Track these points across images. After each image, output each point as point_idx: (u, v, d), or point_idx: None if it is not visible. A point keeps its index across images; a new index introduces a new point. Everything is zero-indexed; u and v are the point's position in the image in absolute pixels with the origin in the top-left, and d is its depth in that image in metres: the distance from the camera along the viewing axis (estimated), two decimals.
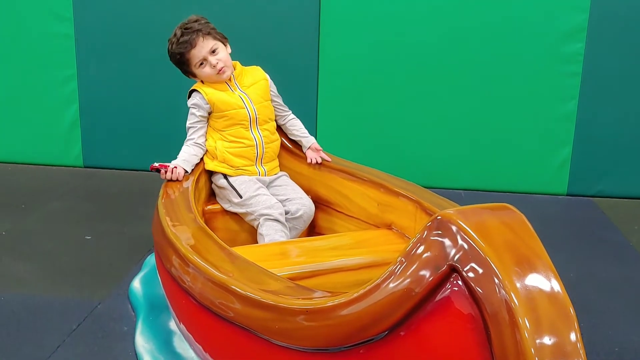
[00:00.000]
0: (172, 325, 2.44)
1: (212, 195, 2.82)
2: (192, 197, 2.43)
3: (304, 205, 2.66)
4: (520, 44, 4.10)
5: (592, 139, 4.19)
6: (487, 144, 4.27)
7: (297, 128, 2.90)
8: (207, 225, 2.28)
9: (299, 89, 4.27)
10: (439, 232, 1.27)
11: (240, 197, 2.61)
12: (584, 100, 4.13)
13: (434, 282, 1.25)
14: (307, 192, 2.78)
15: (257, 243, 2.59)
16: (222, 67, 2.63)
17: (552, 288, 1.19)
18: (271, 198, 2.60)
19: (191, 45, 2.59)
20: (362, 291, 1.38)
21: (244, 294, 1.69)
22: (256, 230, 2.61)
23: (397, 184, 2.53)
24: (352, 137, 4.30)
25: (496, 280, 1.17)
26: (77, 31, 4.36)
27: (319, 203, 2.79)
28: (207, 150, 2.73)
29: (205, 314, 1.86)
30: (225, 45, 2.70)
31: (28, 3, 4.35)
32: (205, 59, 2.61)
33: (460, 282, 1.23)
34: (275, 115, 2.85)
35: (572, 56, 4.07)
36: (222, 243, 2.04)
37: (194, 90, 2.72)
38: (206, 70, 2.63)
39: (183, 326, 2.13)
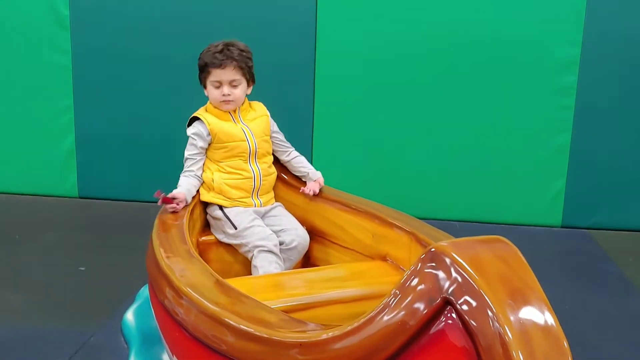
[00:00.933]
0: (165, 357, 2.42)
1: (206, 227, 2.81)
2: (187, 229, 2.42)
3: (298, 236, 2.65)
4: (513, 77, 4.14)
5: (586, 171, 4.21)
6: (481, 175, 4.28)
7: (303, 164, 2.87)
8: (201, 256, 2.27)
9: (294, 120, 4.29)
10: (433, 264, 1.27)
11: (235, 228, 2.61)
12: (578, 132, 4.16)
13: (428, 315, 1.25)
14: (302, 222, 2.78)
15: (251, 275, 2.57)
16: (229, 101, 2.64)
17: (545, 321, 1.19)
18: (266, 229, 2.60)
19: (220, 65, 2.59)
20: (356, 324, 1.37)
21: (238, 326, 1.68)
22: (250, 262, 2.60)
23: (392, 215, 2.53)
24: (347, 168, 4.32)
25: (490, 313, 1.17)
26: (75, 62, 4.39)
27: (314, 234, 2.78)
28: (203, 182, 2.73)
29: (198, 346, 1.84)
30: (247, 86, 2.70)
31: (26, 34, 4.39)
32: (221, 84, 2.63)
33: (454, 315, 1.22)
34: (277, 151, 2.85)
35: (566, 89, 4.11)
36: (216, 275, 2.03)
37: (197, 118, 2.70)
38: (215, 93, 2.64)
39: (176, 358, 2.11)
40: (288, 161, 2.88)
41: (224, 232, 2.65)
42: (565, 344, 1.18)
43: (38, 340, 2.63)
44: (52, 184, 4.60)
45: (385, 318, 1.30)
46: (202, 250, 2.66)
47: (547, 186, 4.26)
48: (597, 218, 4.28)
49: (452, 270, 1.23)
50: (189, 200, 2.61)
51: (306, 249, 2.71)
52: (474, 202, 4.32)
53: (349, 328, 1.38)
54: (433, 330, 1.26)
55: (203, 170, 2.72)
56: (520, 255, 1.29)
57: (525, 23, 4.07)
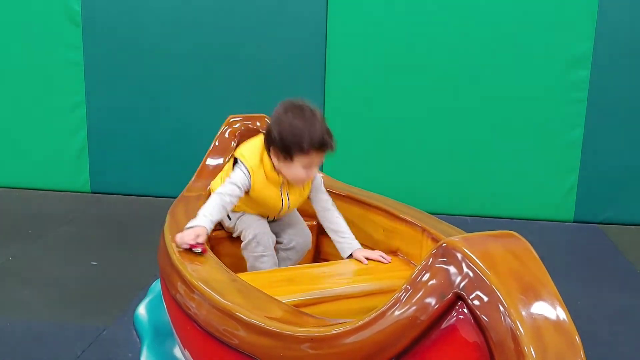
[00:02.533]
0: (177, 351, 2.43)
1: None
2: None
3: (297, 236, 2.60)
4: (526, 72, 4.12)
5: (598, 166, 4.19)
6: (493, 170, 4.27)
7: (342, 230, 2.52)
8: (212, 251, 2.28)
9: None
10: (445, 259, 1.27)
11: (230, 219, 2.56)
12: (590, 127, 4.14)
13: (440, 310, 1.25)
14: (312, 217, 2.78)
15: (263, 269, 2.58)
16: (308, 181, 2.47)
17: (557, 316, 1.19)
18: (253, 217, 2.53)
19: (322, 150, 2.32)
20: (367, 319, 1.37)
21: (249, 321, 1.69)
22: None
23: (403, 210, 2.53)
24: (357, 163, 4.32)
25: (502, 309, 1.17)
26: (86, 59, 4.41)
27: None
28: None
29: (210, 340, 1.85)
30: None
31: (38, 30, 4.41)
32: (312, 166, 2.34)
33: (465, 310, 1.22)
34: (314, 203, 2.60)
35: (578, 84, 4.09)
36: (228, 269, 2.04)
37: (246, 168, 2.40)
38: (301, 173, 2.33)
39: (188, 353, 2.12)
40: (322, 216, 2.58)
41: (225, 226, 2.63)
42: (578, 339, 1.18)
43: (50, 334, 2.65)
44: (64, 179, 4.63)
45: (397, 313, 1.30)
46: (214, 245, 2.67)
47: (560, 181, 4.24)
48: (609, 213, 4.26)
49: (464, 265, 1.23)
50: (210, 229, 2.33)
51: (307, 249, 2.66)
52: (485, 197, 4.30)
53: (360, 323, 1.39)
54: (444, 325, 1.26)
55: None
56: (532, 250, 1.29)
57: (537, 18, 4.05)
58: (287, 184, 2.45)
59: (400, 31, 4.16)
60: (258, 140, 2.46)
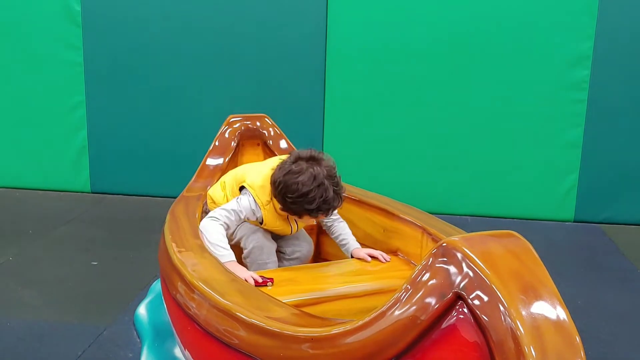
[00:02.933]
0: (177, 351, 2.43)
1: None
2: (199, 223, 2.43)
3: (300, 246, 2.60)
4: (526, 72, 4.12)
5: (598, 166, 4.19)
6: (493, 170, 4.27)
7: (344, 234, 2.54)
8: None
9: (305, 116, 4.30)
10: (445, 259, 1.27)
11: (228, 227, 2.44)
12: (590, 127, 4.14)
13: (440, 310, 1.25)
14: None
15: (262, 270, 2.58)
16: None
17: (557, 316, 1.19)
18: (252, 228, 2.48)
19: (326, 212, 2.28)
20: (367, 319, 1.37)
21: (249, 321, 1.69)
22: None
23: (403, 210, 2.53)
24: (357, 162, 4.32)
25: (502, 308, 1.17)
26: (87, 59, 4.41)
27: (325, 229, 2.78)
28: (209, 197, 2.63)
29: (210, 340, 1.85)
30: None
31: (39, 30, 4.41)
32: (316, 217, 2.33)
33: (465, 310, 1.22)
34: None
35: (578, 83, 4.09)
36: (228, 269, 2.04)
37: (256, 204, 2.37)
38: (308, 221, 2.39)
39: (188, 353, 2.12)
40: (329, 227, 2.60)
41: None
42: (578, 339, 1.18)
43: (51, 334, 2.65)
44: (64, 179, 4.63)
45: (397, 313, 1.30)
46: None
47: (560, 181, 4.24)
48: (609, 213, 4.26)
49: (464, 265, 1.23)
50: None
51: (310, 256, 2.65)
52: (485, 196, 4.31)
53: (361, 323, 1.39)
54: (444, 325, 1.26)
55: (225, 193, 2.54)
56: (532, 250, 1.29)
57: (537, 17, 4.05)
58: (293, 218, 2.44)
59: (400, 32, 4.16)
60: (268, 171, 2.36)
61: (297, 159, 2.27)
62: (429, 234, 2.32)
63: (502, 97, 4.18)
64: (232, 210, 2.35)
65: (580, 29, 4.03)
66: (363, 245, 2.56)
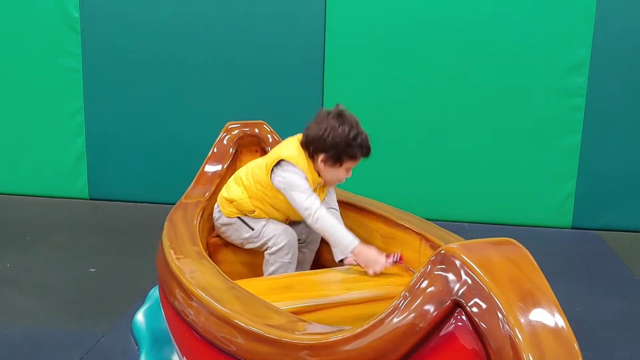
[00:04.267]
0: (175, 358, 2.42)
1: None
2: (197, 230, 2.43)
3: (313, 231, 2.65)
4: (523, 78, 4.13)
5: (596, 172, 4.19)
6: (491, 176, 4.27)
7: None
8: (211, 258, 2.28)
9: (303, 123, 4.29)
10: (443, 266, 1.27)
11: (252, 229, 2.58)
12: (588, 133, 4.15)
13: (438, 317, 1.25)
14: None
15: (261, 276, 2.58)
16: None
17: (556, 323, 1.19)
18: (280, 225, 2.58)
19: (356, 157, 2.46)
20: (366, 326, 1.37)
21: (247, 328, 1.69)
22: (261, 263, 2.61)
23: (401, 216, 2.53)
24: (355, 169, 4.30)
25: (500, 316, 1.17)
26: (85, 65, 4.41)
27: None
28: (226, 197, 2.60)
29: (208, 348, 1.85)
30: None
31: (37, 37, 4.41)
32: (349, 169, 2.49)
33: (464, 317, 1.22)
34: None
35: (575, 90, 4.10)
36: (226, 276, 2.04)
37: (302, 172, 2.43)
38: (341, 174, 2.47)
39: None
40: None
41: (240, 237, 2.61)
42: (576, 346, 1.18)
43: (48, 341, 2.65)
44: (62, 186, 4.62)
45: (395, 320, 1.30)
46: (212, 252, 2.67)
47: (557, 187, 4.25)
48: (607, 219, 4.26)
49: (462, 272, 1.23)
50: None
51: (319, 239, 2.72)
52: (483, 203, 4.31)
53: (359, 330, 1.39)
54: (443, 332, 1.26)
55: (244, 186, 2.56)
56: (531, 257, 1.29)
57: (535, 24, 4.06)
58: (320, 186, 2.52)
59: (398, 39, 4.17)
60: (296, 142, 2.49)
61: (329, 113, 2.45)
62: (427, 240, 2.32)
63: (500, 103, 4.18)
64: (300, 189, 2.39)
65: (577, 35, 4.04)
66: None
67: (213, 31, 4.29)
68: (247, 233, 2.58)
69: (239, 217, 2.58)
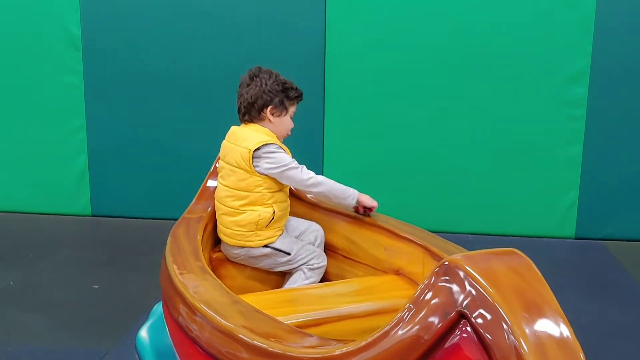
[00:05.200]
0: None
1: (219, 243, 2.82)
2: (200, 245, 2.43)
3: (317, 230, 2.74)
4: (524, 89, 4.14)
5: (598, 182, 4.19)
6: (493, 188, 4.27)
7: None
8: (214, 272, 2.28)
9: (305, 131, 4.31)
10: (447, 277, 1.27)
11: (289, 254, 2.57)
12: (589, 143, 4.15)
13: (443, 329, 1.24)
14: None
15: (265, 290, 2.57)
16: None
17: (561, 333, 1.18)
18: (311, 247, 2.64)
19: (300, 100, 2.63)
20: (370, 339, 1.37)
21: (252, 342, 1.68)
22: (265, 277, 2.60)
23: (404, 229, 2.53)
24: (357, 180, 4.28)
25: (505, 326, 1.16)
26: (87, 82, 4.43)
27: (326, 249, 2.78)
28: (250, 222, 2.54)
29: None
30: None
31: (38, 54, 4.43)
32: (291, 116, 2.62)
33: (469, 329, 1.22)
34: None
35: (576, 100, 4.11)
36: (230, 291, 2.04)
37: (280, 148, 2.52)
38: (290, 124, 2.60)
39: None
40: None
41: (276, 263, 2.60)
42: (582, 356, 1.17)
43: (52, 358, 2.64)
44: (65, 203, 4.63)
45: (400, 332, 1.30)
46: (215, 267, 2.67)
47: (560, 198, 4.24)
48: (610, 229, 4.25)
49: (466, 283, 1.23)
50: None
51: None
52: (486, 214, 4.30)
53: (364, 343, 1.38)
54: (448, 344, 1.25)
55: (249, 206, 2.53)
56: (534, 267, 1.29)
57: (535, 35, 4.07)
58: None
59: (399, 49, 4.18)
60: (245, 127, 2.60)
61: (251, 73, 2.62)
62: (431, 252, 2.31)
63: (500, 114, 4.19)
64: (288, 164, 2.48)
65: (577, 45, 4.05)
66: (365, 264, 2.56)
67: (213, 47, 4.31)
68: (284, 258, 2.57)
69: (266, 246, 2.55)
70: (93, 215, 4.62)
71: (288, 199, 2.65)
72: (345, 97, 4.28)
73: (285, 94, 2.55)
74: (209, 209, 2.77)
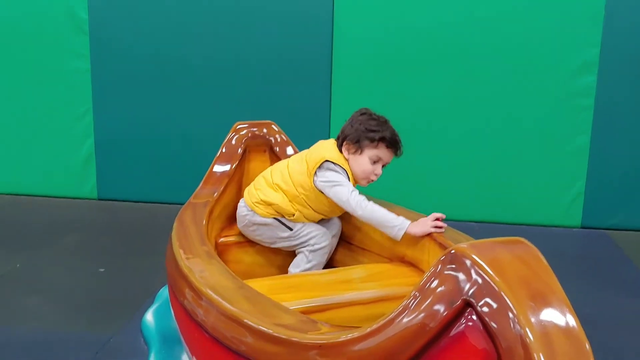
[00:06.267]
0: (185, 358, 2.43)
1: (227, 227, 2.82)
2: (206, 230, 2.44)
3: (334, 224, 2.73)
4: (533, 78, 4.12)
5: (605, 172, 4.17)
6: (500, 176, 4.26)
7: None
8: (220, 257, 2.28)
9: (311, 123, 4.30)
10: (453, 266, 1.27)
11: (290, 229, 2.59)
12: (597, 133, 4.13)
13: (449, 317, 1.25)
14: None
15: (270, 276, 2.58)
16: (374, 180, 2.60)
17: (567, 323, 1.18)
18: (319, 226, 2.62)
19: (391, 146, 2.53)
20: (375, 326, 1.37)
21: (257, 327, 1.69)
22: (270, 263, 2.61)
23: (410, 216, 2.52)
24: None
25: (511, 315, 1.16)
26: (94, 66, 4.43)
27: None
28: (262, 199, 2.59)
29: (217, 347, 1.85)
30: None
31: (46, 39, 4.43)
32: (379, 162, 2.54)
33: (474, 317, 1.22)
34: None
35: (584, 90, 4.08)
36: (235, 276, 2.04)
37: (343, 170, 2.50)
38: (369, 167, 2.51)
39: None
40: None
41: (275, 237, 2.63)
42: (587, 345, 1.17)
43: (58, 342, 2.66)
44: (72, 186, 4.64)
45: (405, 320, 1.30)
46: (221, 252, 2.67)
47: (567, 187, 4.23)
48: (616, 219, 4.24)
49: (473, 272, 1.23)
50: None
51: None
52: (492, 203, 4.30)
53: (369, 330, 1.38)
54: (453, 332, 1.25)
55: (283, 191, 2.58)
56: (541, 256, 1.29)
57: (544, 24, 4.05)
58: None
59: (406, 40, 4.16)
60: (333, 143, 2.59)
61: (362, 112, 2.61)
62: (436, 240, 2.31)
63: (509, 103, 4.17)
64: (343, 187, 2.45)
65: (586, 35, 4.02)
66: (370, 252, 2.56)
67: (221, 32, 4.30)
68: (285, 233, 2.59)
69: (276, 218, 2.59)
70: (99, 199, 4.63)
71: (318, 216, 2.62)
72: (353, 86, 4.26)
73: (366, 134, 2.48)
74: (215, 193, 2.78)
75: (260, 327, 1.68)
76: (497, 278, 1.20)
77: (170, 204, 4.39)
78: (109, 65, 4.43)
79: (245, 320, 1.73)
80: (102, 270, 3.40)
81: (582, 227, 4.26)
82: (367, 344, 1.38)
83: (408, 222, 2.36)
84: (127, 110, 4.48)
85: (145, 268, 3.42)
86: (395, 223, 2.37)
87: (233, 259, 2.69)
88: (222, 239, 2.72)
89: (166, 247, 2.47)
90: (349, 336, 1.43)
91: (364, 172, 2.52)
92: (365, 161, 2.50)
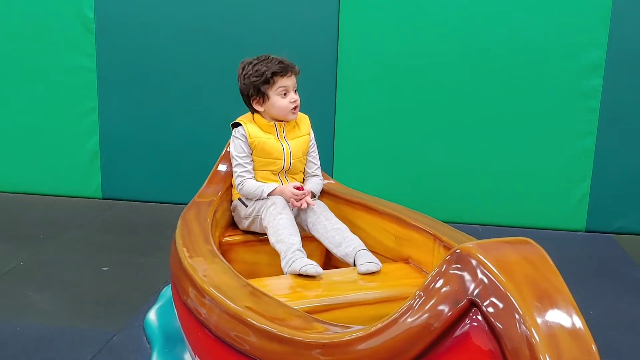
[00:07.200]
0: (188, 357, 2.42)
1: (231, 226, 2.82)
2: (210, 228, 2.43)
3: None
4: (539, 80, 4.11)
5: (611, 175, 4.16)
6: (505, 178, 4.25)
7: (310, 182, 2.75)
8: (224, 256, 2.28)
9: (315, 123, 4.29)
10: (459, 265, 1.25)
11: (246, 206, 2.63)
12: (602, 135, 4.11)
13: (453, 317, 1.24)
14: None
15: (275, 276, 2.57)
16: (297, 107, 2.63)
17: (573, 324, 1.17)
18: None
19: (285, 72, 2.60)
20: (379, 325, 1.36)
21: (260, 326, 1.68)
22: (274, 262, 2.60)
23: (414, 217, 2.52)
24: (369, 170, 4.31)
25: (517, 316, 1.15)
26: (99, 65, 4.43)
27: None
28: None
29: (220, 346, 1.85)
30: None
31: (52, 37, 4.44)
32: (288, 91, 2.61)
33: (479, 317, 1.21)
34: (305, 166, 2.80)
35: (590, 92, 4.07)
36: (239, 275, 2.04)
37: (239, 124, 2.66)
38: (283, 102, 2.59)
39: (198, 358, 2.12)
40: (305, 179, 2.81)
41: (241, 218, 2.68)
42: (594, 347, 1.16)
43: (61, 339, 2.66)
44: (76, 185, 4.64)
45: (409, 320, 1.29)
46: (225, 251, 2.67)
47: (571, 190, 4.22)
48: (621, 222, 4.23)
49: (478, 271, 1.22)
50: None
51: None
52: (497, 205, 4.28)
53: (373, 329, 1.38)
54: (458, 332, 1.24)
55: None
56: (547, 256, 1.27)
57: (551, 26, 4.03)
58: (283, 129, 2.64)
59: (412, 42, 4.15)
60: (246, 115, 2.73)
61: (242, 64, 2.71)
62: (441, 241, 2.30)
63: (514, 105, 4.16)
64: (236, 147, 2.62)
65: (592, 37, 4.01)
66: (374, 252, 2.55)
67: (227, 32, 4.30)
68: (243, 211, 2.65)
69: (239, 199, 2.68)
70: (104, 198, 4.64)
71: (278, 167, 2.65)
72: (357, 88, 4.26)
73: (258, 80, 2.58)
74: (220, 192, 2.78)
75: (263, 326, 1.68)
76: (503, 278, 1.19)
77: (174, 203, 4.39)
78: (114, 64, 4.43)
79: (249, 319, 1.73)
80: (105, 268, 3.40)
81: (587, 231, 4.25)
82: (371, 343, 1.37)
83: (275, 186, 2.54)
84: (132, 109, 4.49)
85: (148, 267, 3.42)
86: (263, 189, 2.55)
87: (237, 258, 2.69)
88: (226, 238, 2.72)
89: (170, 246, 2.46)
90: (353, 335, 1.42)
91: (283, 109, 2.60)
92: (276, 100, 2.58)
